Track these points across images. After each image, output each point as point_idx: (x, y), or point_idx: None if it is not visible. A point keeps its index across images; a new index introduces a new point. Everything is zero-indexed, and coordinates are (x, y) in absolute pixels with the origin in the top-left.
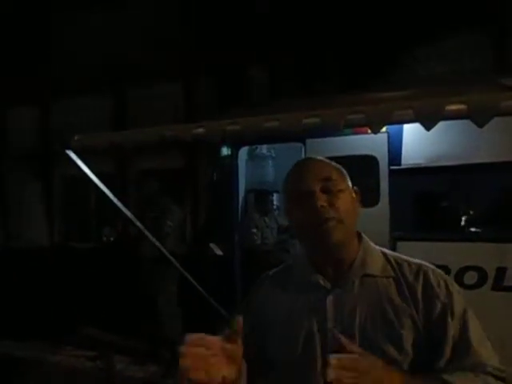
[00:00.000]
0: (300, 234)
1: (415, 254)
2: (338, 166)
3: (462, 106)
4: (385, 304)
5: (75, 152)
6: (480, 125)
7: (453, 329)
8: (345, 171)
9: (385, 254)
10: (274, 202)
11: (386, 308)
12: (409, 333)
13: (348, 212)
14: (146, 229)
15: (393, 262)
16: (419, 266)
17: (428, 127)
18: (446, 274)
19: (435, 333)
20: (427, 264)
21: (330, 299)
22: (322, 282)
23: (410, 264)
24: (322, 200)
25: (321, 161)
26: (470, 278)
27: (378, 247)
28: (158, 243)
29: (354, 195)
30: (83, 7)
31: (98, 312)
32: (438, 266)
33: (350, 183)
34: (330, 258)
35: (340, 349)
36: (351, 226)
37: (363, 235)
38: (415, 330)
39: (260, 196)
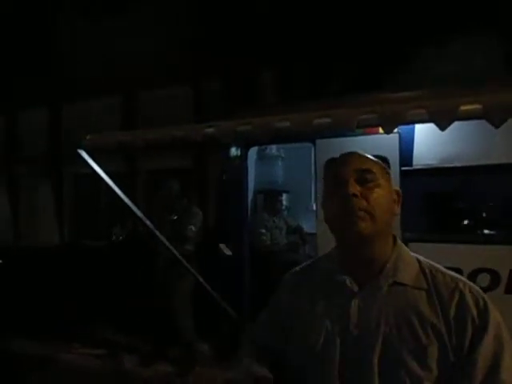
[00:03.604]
0: (331, 225)
1: (426, 256)
2: (383, 164)
3: (477, 106)
4: (412, 316)
5: (87, 151)
6: (496, 125)
7: (485, 354)
8: (389, 171)
9: (420, 263)
10: (284, 203)
11: (414, 320)
12: (435, 349)
13: (381, 208)
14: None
15: (427, 272)
16: (456, 283)
17: (442, 127)
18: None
19: (466, 356)
20: (465, 279)
21: (355, 302)
22: (348, 283)
23: (445, 277)
24: (354, 188)
25: (364, 156)
26: (483, 280)
27: (413, 254)
28: (167, 243)
29: (394, 196)
30: (95, 8)
31: (108, 311)
32: (450, 268)
33: (391, 183)
34: (360, 257)
35: None
36: (383, 223)
37: (398, 239)
38: (443, 347)
39: (269, 196)
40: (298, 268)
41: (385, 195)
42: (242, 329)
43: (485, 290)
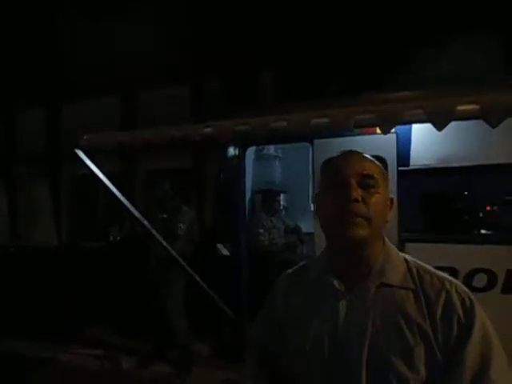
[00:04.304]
0: (325, 225)
1: (423, 256)
2: (382, 167)
3: (474, 106)
4: (399, 317)
5: (84, 151)
6: (493, 125)
7: (472, 355)
8: (387, 174)
9: (407, 263)
10: (281, 203)
11: (400, 321)
12: (422, 350)
13: (379, 214)
14: (157, 230)
15: (414, 272)
16: (443, 283)
17: (439, 128)
18: (455, 276)
19: (453, 357)
20: (451, 279)
21: (342, 304)
22: (336, 284)
23: (432, 277)
24: (356, 193)
25: (366, 158)
26: (480, 280)
27: (401, 254)
28: (165, 243)
29: (388, 203)
30: (95, 8)
31: (105, 312)
32: (447, 268)
33: (388, 188)
34: (350, 259)
35: None
36: (378, 228)
37: (386, 240)
38: (429, 348)
39: (267, 196)
40: (290, 270)
41: (382, 201)
42: (239, 329)
43: (481, 290)
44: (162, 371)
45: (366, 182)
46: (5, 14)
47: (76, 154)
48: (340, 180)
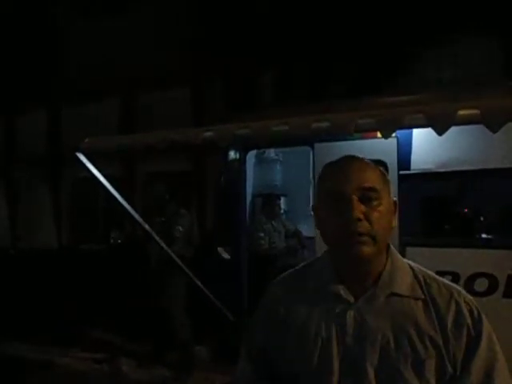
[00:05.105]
0: (326, 239)
1: (424, 260)
2: (383, 171)
3: (474, 111)
4: (410, 328)
5: (85, 155)
6: (494, 130)
7: (479, 364)
8: (389, 179)
9: (413, 270)
10: (282, 206)
11: (411, 333)
12: (432, 362)
13: (383, 227)
14: (156, 232)
15: (422, 280)
16: (451, 292)
17: (440, 132)
18: (456, 280)
19: (460, 367)
20: (458, 288)
21: (350, 314)
22: (343, 293)
23: (440, 286)
24: (359, 211)
25: (366, 165)
26: (481, 284)
27: (405, 260)
28: (165, 246)
29: (392, 207)
30: (94, 10)
31: (105, 315)
32: (448, 273)
33: (390, 191)
34: (356, 270)
35: None
36: (384, 241)
37: (391, 246)
38: (440, 360)
39: (267, 200)
40: (288, 273)
41: (386, 211)
42: (240, 332)
43: (483, 294)
44: (161, 374)
45: (368, 196)
46: (5, 14)
47: (77, 156)
48: (340, 197)
